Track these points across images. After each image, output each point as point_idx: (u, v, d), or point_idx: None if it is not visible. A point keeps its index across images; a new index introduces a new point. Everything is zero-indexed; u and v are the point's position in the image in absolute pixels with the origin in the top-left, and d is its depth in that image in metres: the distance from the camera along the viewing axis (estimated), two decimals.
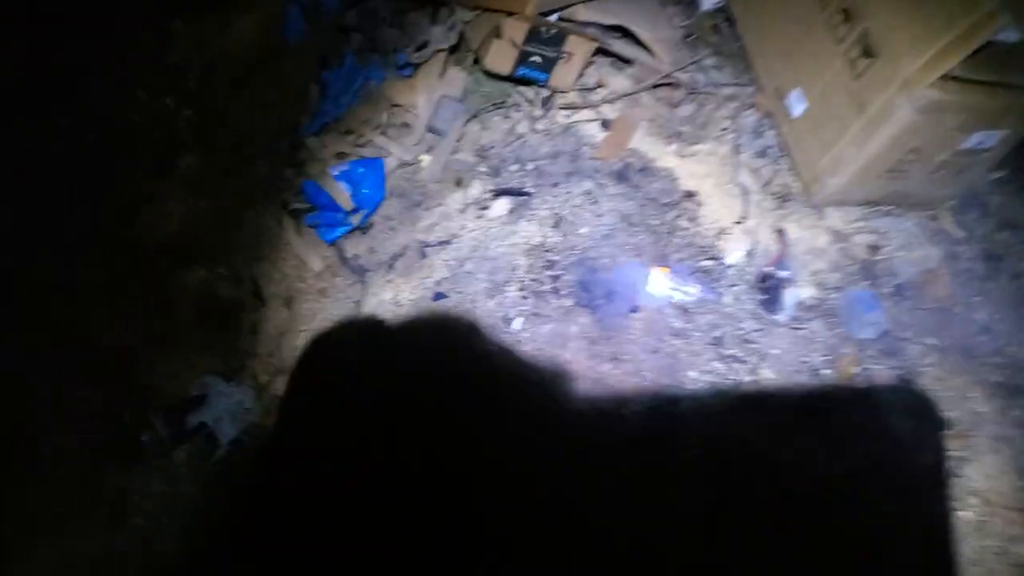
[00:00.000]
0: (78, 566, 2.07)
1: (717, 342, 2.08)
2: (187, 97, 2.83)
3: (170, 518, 2.12)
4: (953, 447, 2.03)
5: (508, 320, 2.10)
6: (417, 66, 2.55)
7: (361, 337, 2.18)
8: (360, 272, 2.40)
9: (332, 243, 2.46)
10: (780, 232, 2.30)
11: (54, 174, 2.61)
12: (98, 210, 2.57)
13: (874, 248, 2.34)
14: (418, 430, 1.89)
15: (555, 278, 2.15)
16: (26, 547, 2.08)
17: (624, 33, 2.57)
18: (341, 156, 2.53)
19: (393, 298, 2.26)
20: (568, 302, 2.10)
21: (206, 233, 2.55)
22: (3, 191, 2.49)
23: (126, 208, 2.59)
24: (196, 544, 2.08)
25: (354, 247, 2.46)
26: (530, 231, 2.22)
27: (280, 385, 2.28)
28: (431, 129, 2.53)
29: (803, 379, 2.06)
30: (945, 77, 1.95)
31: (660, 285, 2.09)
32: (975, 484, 2.00)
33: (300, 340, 2.36)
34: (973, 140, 2.17)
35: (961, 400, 2.13)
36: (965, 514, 1.95)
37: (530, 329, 2.07)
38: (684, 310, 2.12)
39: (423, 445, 1.87)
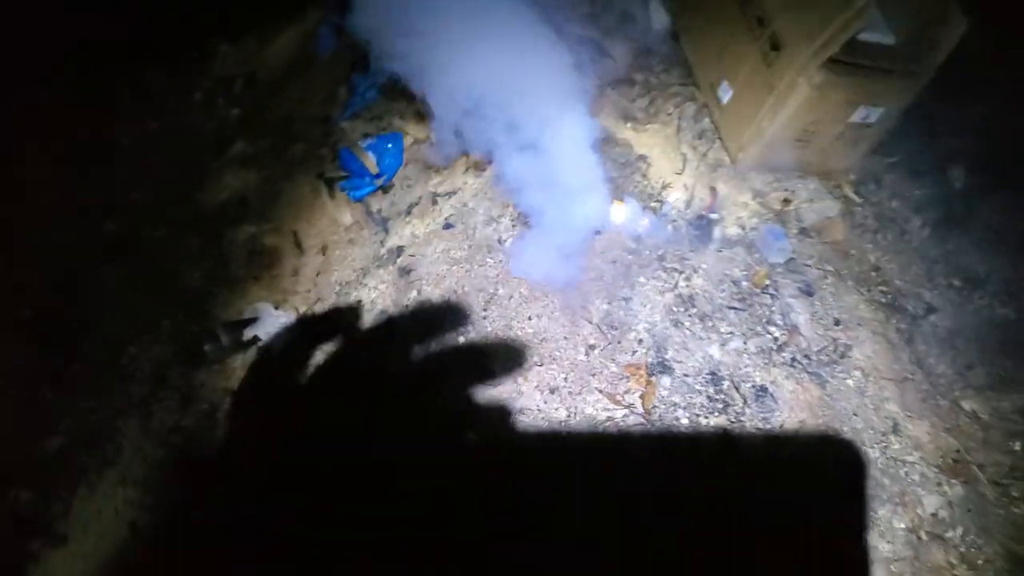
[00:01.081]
0: (157, 434, 2.60)
1: (661, 258, 2.69)
2: (234, 98, 3.46)
3: (232, 405, 2.64)
4: (842, 337, 2.65)
5: (501, 241, 2.72)
6: None
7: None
8: (383, 222, 2.98)
9: (360, 201, 3.04)
10: (712, 189, 2.94)
11: (129, 157, 3.22)
12: (164, 183, 3.16)
13: (786, 201, 2.96)
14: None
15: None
16: (116, 425, 2.61)
17: (595, 44, 3.24)
18: (367, 136, 3.15)
19: (411, 233, 2.86)
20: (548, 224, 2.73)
21: (254, 198, 3.13)
22: (86, 172, 3.08)
23: (189, 181, 3.16)
24: (248, 421, 2.61)
25: (378, 203, 3.04)
26: None
27: (317, 313, 2.83)
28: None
29: (725, 286, 2.69)
30: (831, 60, 2.55)
31: (618, 215, 2.73)
32: (858, 362, 2.59)
33: (333, 278, 2.92)
34: (859, 114, 2.80)
35: (851, 308, 2.74)
36: (848, 381, 2.56)
37: (517, 245, 2.69)
38: (636, 235, 2.74)
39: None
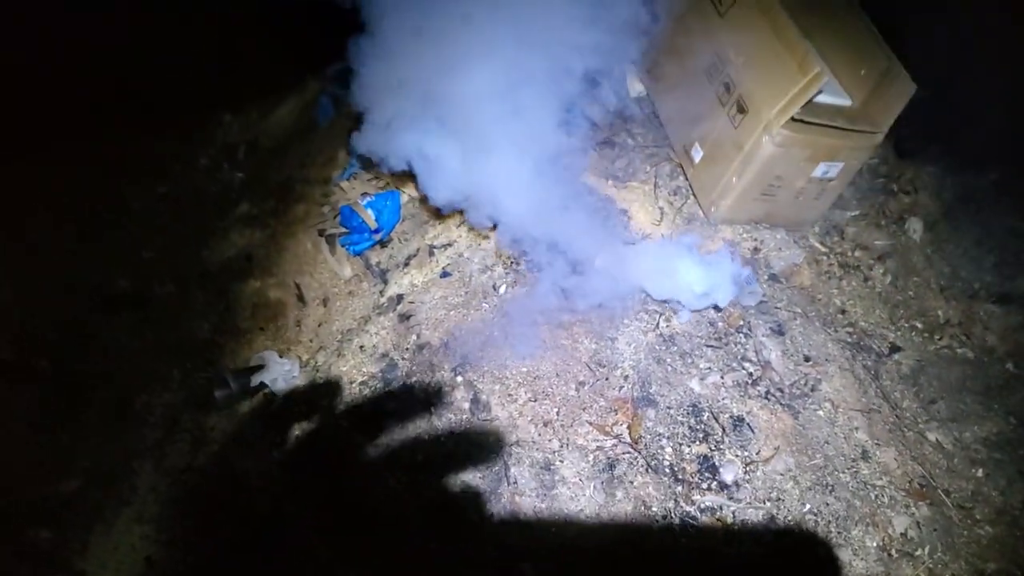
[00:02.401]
0: (171, 474, 2.75)
1: (644, 301, 2.92)
2: (238, 164, 3.69)
3: (237, 445, 2.80)
4: (811, 372, 2.85)
5: (496, 288, 2.94)
6: None
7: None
8: (382, 274, 3.18)
9: (359, 255, 3.25)
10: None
11: (139, 218, 3.42)
12: (173, 242, 3.36)
13: (755, 250, 3.19)
14: None
15: (530, 260, 2.99)
16: (132, 466, 2.76)
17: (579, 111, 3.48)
18: (366, 195, 3.37)
19: (409, 282, 3.06)
20: (538, 274, 2.94)
21: (259, 254, 3.33)
22: (99, 233, 3.28)
23: (196, 239, 3.36)
24: (257, 463, 2.77)
25: (377, 256, 3.24)
26: None
27: (319, 361, 3.02)
28: None
29: (703, 326, 2.91)
30: (793, 121, 2.79)
31: (603, 262, 2.95)
32: (827, 394, 2.79)
33: (335, 327, 3.11)
34: (820, 170, 3.03)
35: (819, 346, 2.95)
36: (819, 412, 2.76)
37: (511, 292, 2.90)
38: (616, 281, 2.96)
39: None
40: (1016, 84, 3.57)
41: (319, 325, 3.12)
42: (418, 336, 2.85)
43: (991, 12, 3.53)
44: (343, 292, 3.19)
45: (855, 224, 3.51)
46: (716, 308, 2.86)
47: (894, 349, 3.06)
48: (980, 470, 2.76)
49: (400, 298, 2.99)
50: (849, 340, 3.01)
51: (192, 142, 3.92)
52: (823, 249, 3.34)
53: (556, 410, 2.61)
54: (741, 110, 2.91)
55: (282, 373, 2.92)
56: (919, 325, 3.23)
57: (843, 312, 3.14)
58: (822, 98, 2.84)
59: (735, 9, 2.96)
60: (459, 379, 2.69)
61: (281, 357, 3.01)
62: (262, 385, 2.90)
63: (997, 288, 3.43)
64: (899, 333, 3.16)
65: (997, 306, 3.35)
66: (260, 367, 2.95)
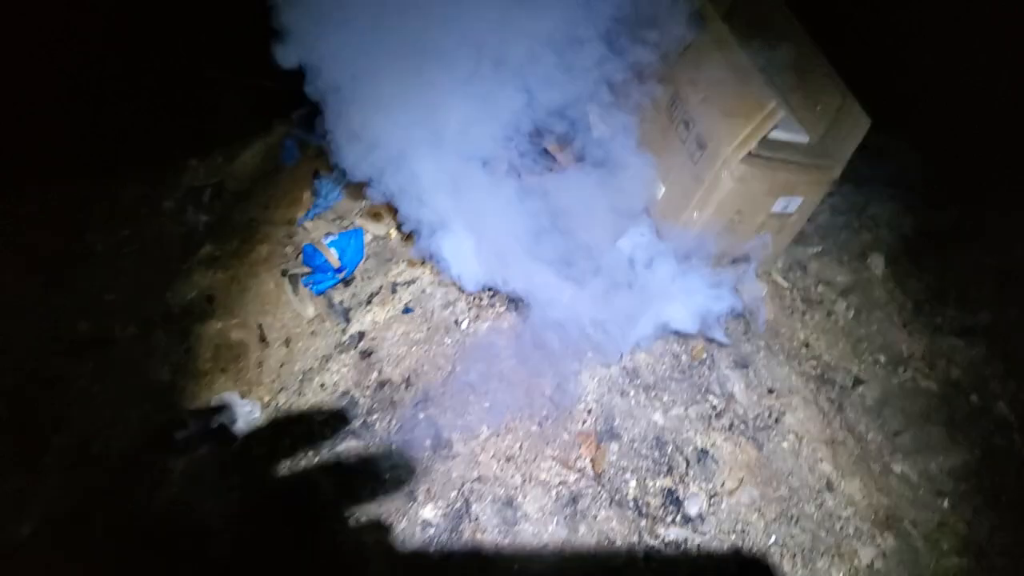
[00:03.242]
0: (128, 517, 2.70)
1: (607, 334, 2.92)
2: (203, 207, 3.68)
3: (196, 487, 2.75)
4: (775, 404, 2.85)
5: (458, 323, 2.93)
6: None
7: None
8: (344, 313, 3.16)
9: (322, 294, 3.24)
10: None
11: (102, 261, 3.40)
12: (136, 284, 3.34)
13: (718, 284, 3.21)
14: None
15: (492, 294, 2.99)
16: (86, 510, 2.70)
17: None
18: (329, 234, 3.37)
19: (372, 319, 3.04)
20: (501, 309, 2.94)
21: (221, 296, 3.31)
22: (60, 276, 3.26)
23: (159, 282, 3.34)
24: (217, 505, 2.72)
25: (340, 295, 3.22)
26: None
27: (280, 401, 2.99)
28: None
29: (666, 359, 2.90)
30: (750, 155, 2.83)
31: (566, 299, 2.94)
32: (792, 426, 2.79)
33: (297, 367, 3.08)
34: (779, 204, 3.07)
35: (783, 379, 2.96)
36: (783, 444, 2.75)
37: (474, 326, 2.89)
38: (576, 315, 2.96)
39: None
40: (970, 123, 3.65)
41: (281, 365, 3.08)
42: (379, 373, 2.83)
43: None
44: (305, 332, 3.16)
45: (817, 260, 3.54)
46: (677, 333, 2.83)
47: (858, 382, 3.07)
48: (946, 501, 2.75)
49: (362, 335, 2.97)
50: (813, 373, 3.01)
51: (158, 186, 3.90)
52: (786, 284, 3.36)
53: (519, 444, 2.59)
54: (700, 146, 2.94)
55: (243, 414, 2.88)
56: (882, 359, 3.24)
57: (807, 346, 3.14)
58: (779, 134, 2.88)
59: (692, 48, 2.99)
60: (420, 415, 2.67)
61: (242, 398, 2.95)
62: (222, 427, 2.84)
63: (960, 322, 3.46)
64: (863, 366, 3.17)
65: (960, 339, 3.38)
66: (221, 408, 2.89)
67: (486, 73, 2.59)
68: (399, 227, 3.24)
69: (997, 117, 3.67)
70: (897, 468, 2.84)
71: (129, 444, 2.87)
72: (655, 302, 2.71)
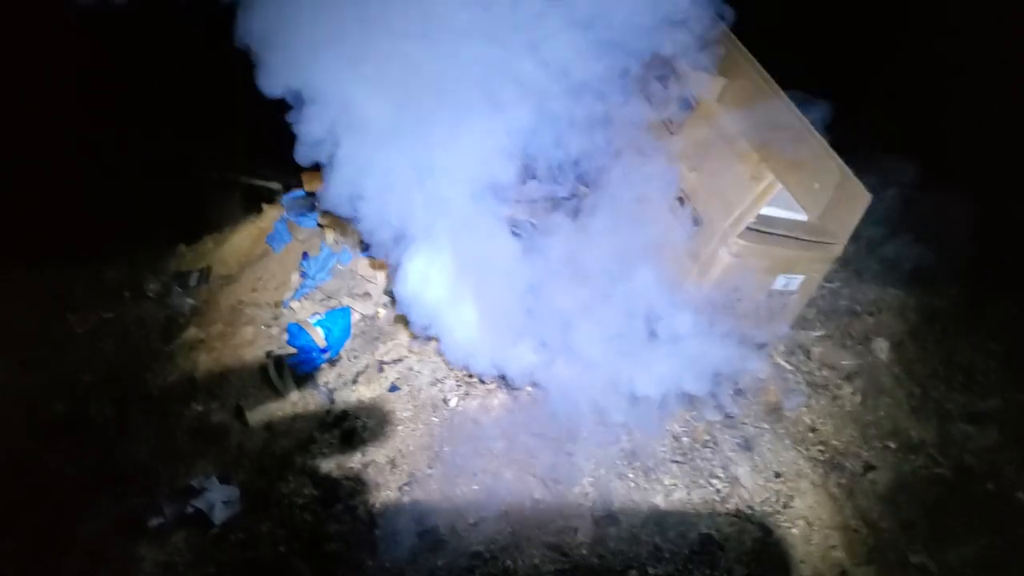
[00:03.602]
0: None
1: (602, 411, 2.81)
2: (189, 290, 3.61)
3: None
4: (783, 488, 2.72)
5: (447, 401, 2.82)
6: None
7: None
8: (329, 394, 3.06)
9: (307, 374, 3.14)
10: None
11: (81, 342, 3.32)
12: (115, 366, 3.25)
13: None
14: None
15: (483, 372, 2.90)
16: None
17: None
18: (316, 314, 3.29)
19: (357, 399, 2.94)
20: (491, 386, 2.84)
21: (203, 378, 3.21)
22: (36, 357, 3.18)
23: (139, 363, 3.25)
24: None
25: (324, 376, 3.13)
26: None
27: (260, 484, 2.85)
28: (387, 292, 3.34)
29: (666, 440, 2.79)
30: (748, 230, 2.77)
31: (559, 375, 2.85)
32: (801, 512, 2.65)
33: (278, 449, 2.96)
34: (780, 282, 2.98)
35: (789, 463, 2.83)
36: (793, 531, 2.61)
37: (463, 404, 2.79)
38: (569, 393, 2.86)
39: None
40: (967, 209, 3.63)
41: (262, 450, 2.95)
42: (363, 454, 2.70)
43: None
44: (289, 414, 3.05)
45: (820, 344, 3.45)
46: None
47: (868, 468, 2.94)
48: None
49: (346, 415, 2.88)
50: (821, 458, 2.90)
51: (143, 269, 3.85)
52: (789, 367, 3.26)
53: (511, 530, 2.44)
54: (696, 222, 2.88)
55: (221, 499, 2.74)
56: (892, 445, 3.12)
57: (813, 430, 3.03)
58: (777, 212, 2.82)
59: (687, 127, 2.96)
60: (405, 499, 2.54)
61: (221, 483, 2.82)
62: (199, 512, 2.69)
63: (970, 408, 3.34)
64: (872, 452, 3.04)
65: (971, 425, 3.25)
66: (200, 491, 2.76)
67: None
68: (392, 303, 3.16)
69: (991, 199, 3.65)
70: (915, 559, 2.69)
71: (97, 529, 2.69)
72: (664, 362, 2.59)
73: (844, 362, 3.33)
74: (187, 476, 2.86)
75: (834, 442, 2.98)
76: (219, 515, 2.70)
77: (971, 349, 3.47)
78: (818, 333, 3.44)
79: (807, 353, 3.33)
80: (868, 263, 3.80)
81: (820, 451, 2.91)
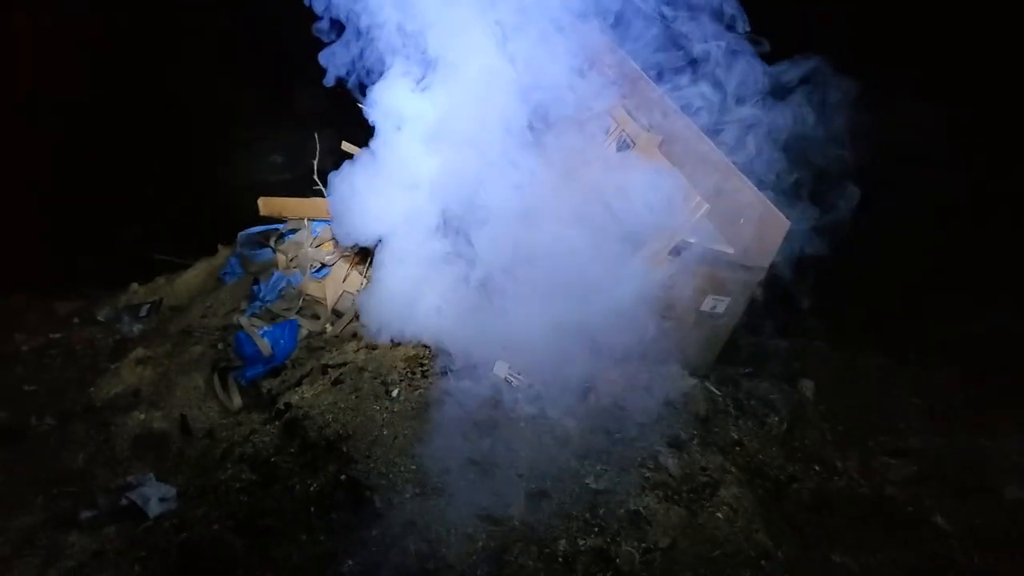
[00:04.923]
0: None
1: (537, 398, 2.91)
2: (139, 319, 3.69)
3: (98, 563, 2.59)
4: (709, 480, 2.80)
5: (389, 392, 2.90)
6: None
7: None
8: (271, 401, 3.12)
9: (250, 382, 3.21)
10: None
11: (26, 358, 3.38)
12: (59, 380, 3.30)
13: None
14: None
15: (424, 368, 2.99)
16: None
17: None
18: (264, 327, 3.38)
19: (299, 398, 3.01)
20: (433, 380, 2.93)
21: (148, 390, 3.27)
22: None
23: (84, 378, 3.31)
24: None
25: (269, 383, 3.19)
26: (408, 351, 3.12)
27: (198, 480, 2.88)
28: (334, 311, 3.45)
29: (599, 435, 2.88)
30: (677, 248, 3.01)
31: (500, 370, 2.95)
32: (726, 499, 2.68)
33: (219, 451, 3.00)
34: (708, 304, 3.15)
35: (717, 465, 2.90)
36: (718, 514, 2.64)
37: (406, 394, 2.87)
38: (510, 385, 2.95)
39: None
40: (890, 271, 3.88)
41: (202, 456, 2.99)
42: (303, 440, 2.75)
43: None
44: (232, 422, 3.09)
45: (749, 380, 3.61)
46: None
47: (793, 479, 3.04)
48: None
49: (288, 407, 2.92)
50: (748, 467, 2.99)
51: (96, 302, 3.93)
52: (718, 392, 3.37)
53: (445, 502, 2.50)
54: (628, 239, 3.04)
55: (157, 495, 2.75)
56: (817, 467, 3.22)
57: (740, 445, 3.13)
58: (706, 243, 3.00)
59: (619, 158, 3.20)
60: (343, 478, 2.58)
61: (158, 481, 2.83)
62: (133, 504, 2.70)
63: (891, 446, 3.48)
64: (798, 468, 3.15)
65: (893, 459, 3.38)
66: (134, 486, 2.77)
67: None
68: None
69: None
70: (836, 558, 2.75)
71: (27, 523, 2.68)
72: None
73: (772, 396, 3.46)
74: (123, 479, 2.86)
75: (760, 456, 3.08)
76: (154, 509, 2.71)
77: (892, 400, 3.62)
78: (747, 370, 3.58)
79: (736, 384, 3.47)
80: (799, 321, 3.98)
81: (746, 461, 3.01)
